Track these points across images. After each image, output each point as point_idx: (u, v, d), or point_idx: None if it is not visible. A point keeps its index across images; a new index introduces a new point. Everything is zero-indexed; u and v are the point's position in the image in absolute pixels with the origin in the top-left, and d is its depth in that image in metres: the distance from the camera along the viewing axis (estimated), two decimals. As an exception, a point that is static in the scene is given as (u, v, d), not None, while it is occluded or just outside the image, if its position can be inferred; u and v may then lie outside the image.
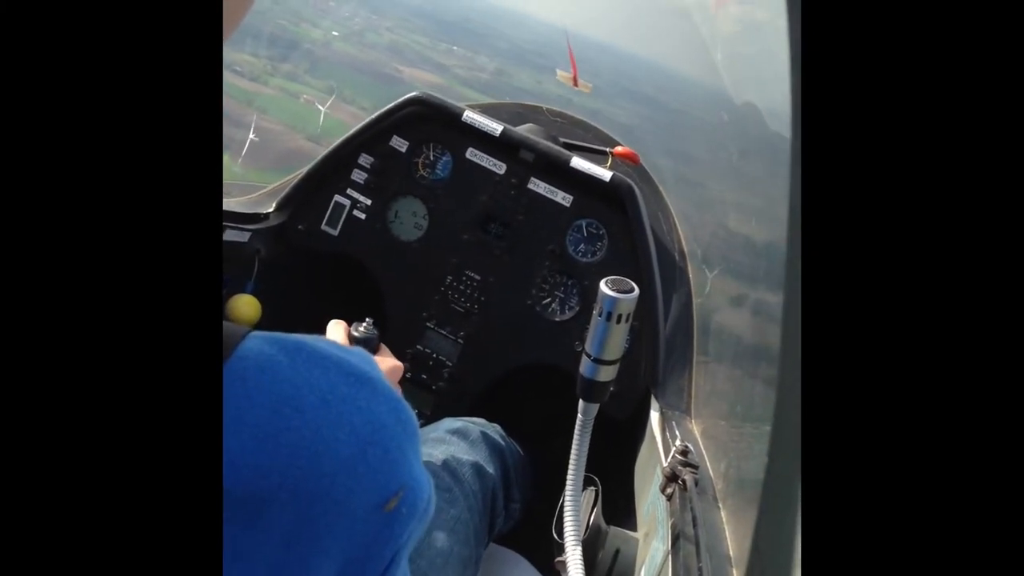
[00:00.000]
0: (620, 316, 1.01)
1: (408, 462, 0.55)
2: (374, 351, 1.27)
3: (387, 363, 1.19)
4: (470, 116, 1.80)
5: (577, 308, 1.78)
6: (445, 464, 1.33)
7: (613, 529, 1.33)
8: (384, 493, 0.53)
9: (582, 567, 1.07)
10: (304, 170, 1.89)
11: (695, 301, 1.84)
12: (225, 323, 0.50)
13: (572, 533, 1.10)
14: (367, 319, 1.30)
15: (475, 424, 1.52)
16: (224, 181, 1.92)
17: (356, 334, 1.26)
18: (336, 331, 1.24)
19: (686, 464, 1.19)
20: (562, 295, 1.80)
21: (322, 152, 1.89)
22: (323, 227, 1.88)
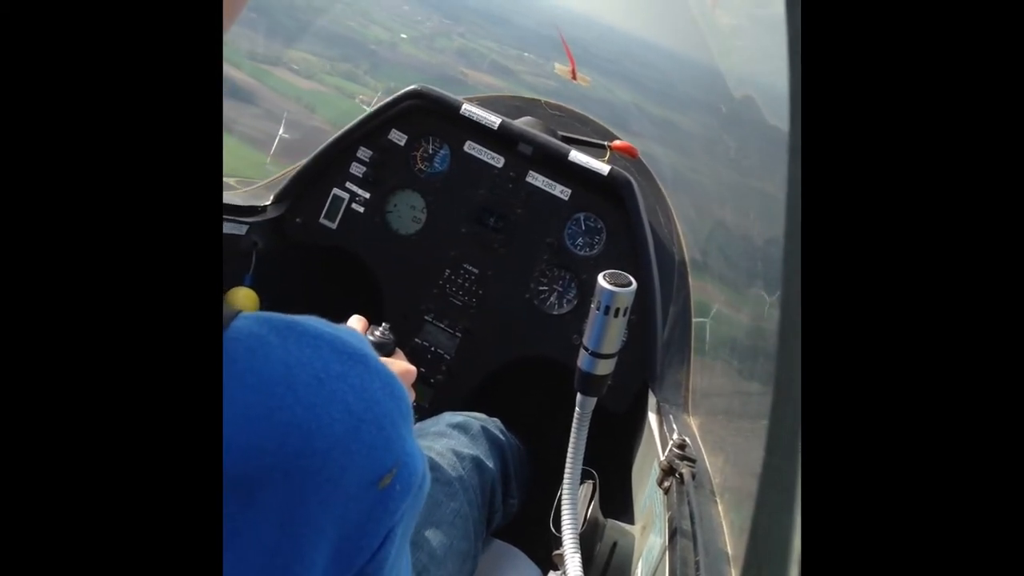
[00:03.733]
0: (618, 310, 1.01)
1: (402, 438, 0.55)
2: (390, 355, 1.27)
3: (400, 366, 1.18)
4: (468, 109, 1.80)
5: (575, 302, 1.78)
6: (445, 458, 1.33)
7: (610, 522, 1.33)
8: (378, 470, 0.53)
9: (579, 560, 1.07)
10: (302, 163, 1.88)
11: (693, 295, 1.84)
12: None
13: (570, 526, 1.09)
14: (384, 324, 1.30)
15: (476, 419, 1.52)
16: (251, 177, 1.91)
17: (371, 339, 1.26)
18: (355, 327, 1.23)
19: (683, 458, 1.19)
20: (560, 289, 1.80)
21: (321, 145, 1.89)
22: (321, 220, 1.88)
